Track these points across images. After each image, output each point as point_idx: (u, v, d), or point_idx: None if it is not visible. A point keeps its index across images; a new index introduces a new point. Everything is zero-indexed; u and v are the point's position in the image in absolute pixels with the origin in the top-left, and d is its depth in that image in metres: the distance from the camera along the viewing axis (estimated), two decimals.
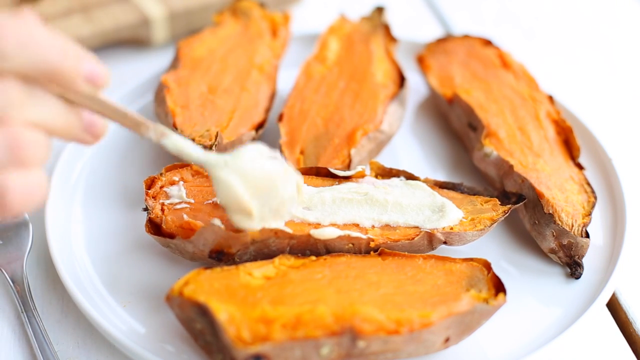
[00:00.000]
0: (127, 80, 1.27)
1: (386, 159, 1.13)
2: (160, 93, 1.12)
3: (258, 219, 0.89)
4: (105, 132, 0.78)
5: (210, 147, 1.03)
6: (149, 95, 1.21)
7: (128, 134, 1.17)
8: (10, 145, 0.68)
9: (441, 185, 1.03)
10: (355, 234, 0.94)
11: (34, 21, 0.70)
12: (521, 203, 1.00)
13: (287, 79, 1.22)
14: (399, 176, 1.03)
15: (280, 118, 1.12)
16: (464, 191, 1.03)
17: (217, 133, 1.04)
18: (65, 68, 0.70)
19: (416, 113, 1.23)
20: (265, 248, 0.93)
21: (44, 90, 0.71)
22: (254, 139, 1.09)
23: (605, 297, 0.96)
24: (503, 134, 1.09)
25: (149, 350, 0.89)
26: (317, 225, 0.95)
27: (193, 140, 1.04)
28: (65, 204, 1.05)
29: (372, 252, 0.94)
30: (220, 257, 0.93)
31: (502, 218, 0.98)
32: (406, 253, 0.93)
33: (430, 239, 0.96)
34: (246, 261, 0.93)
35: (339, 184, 1.00)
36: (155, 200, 0.97)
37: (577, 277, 0.98)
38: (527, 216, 1.02)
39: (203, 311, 0.84)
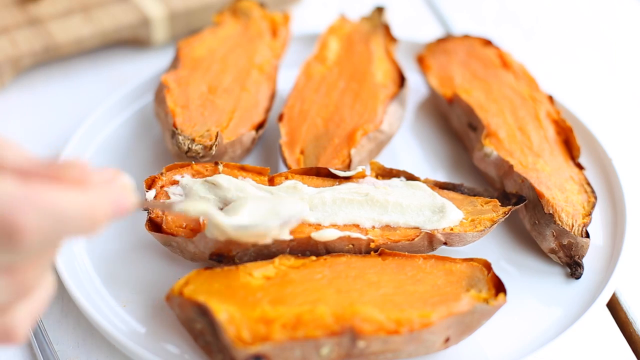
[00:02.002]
0: (127, 80, 1.27)
1: (386, 159, 1.13)
2: (160, 93, 1.12)
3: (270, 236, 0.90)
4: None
5: (210, 148, 1.03)
6: (149, 95, 1.21)
7: (128, 134, 1.17)
8: (17, 290, 0.66)
9: (441, 186, 1.03)
10: (355, 234, 0.94)
11: (66, 186, 0.66)
12: (521, 204, 1.00)
13: (287, 79, 1.22)
14: (399, 176, 1.03)
15: (280, 118, 1.12)
16: (464, 192, 1.03)
17: (217, 133, 1.04)
18: (93, 229, 0.67)
19: (416, 113, 1.23)
20: (265, 249, 0.93)
21: None
22: (254, 139, 1.09)
23: (605, 297, 0.96)
24: (503, 134, 1.09)
25: (149, 350, 0.89)
26: (318, 226, 0.95)
27: (193, 140, 1.04)
28: None
29: (372, 253, 0.94)
30: (221, 259, 0.93)
31: (502, 219, 0.98)
32: (406, 253, 0.93)
33: (431, 240, 0.96)
34: (246, 262, 0.93)
35: (339, 184, 1.00)
36: (156, 199, 0.97)
37: (577, 277, 0.98)
38: (527, 216, 1.02)
39: (203, 311, 0.84)
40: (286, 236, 0.92)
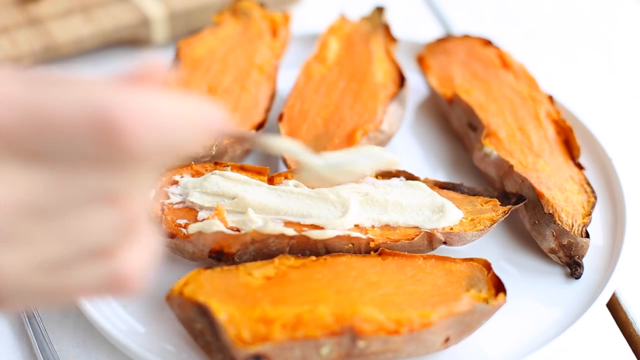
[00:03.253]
0: None
1: None
2: None
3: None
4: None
5: (210, 148, 1.03)
6: None
7: None
8: (124, 224, 0.59)
9: (441, 186, 1.03)
10: (354, 233, 0.94)
11: (152, 94, 0.57)
12: (521, 204, 1.00)
13: (287, 79, 1.21)
14: (399, 176, 1.03)
15: (280, 118, 1.12)
16: (464, 191, 1.03)
17: None
18: (194, 144, 0.60)
19: (416, 113, 1.23)
20: (265, 248, 0.93)
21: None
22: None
23: (605, 297, 0.96)
24: (503, 134, 1.09)
25: (149, 350, 0.89)
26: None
27: None
28: None
29: (372, 252, 0.94)
30: (220, 257, 0.93)
31: (502, 219, 0.98)
32: (406, 253, 0.93)
33: (430, 239, 0.96)
34: (246, 261, 0.93)
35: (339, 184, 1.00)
36: (155, 199, 0.97)
37: (577, 277, 0.98)
38: (527, 216, 1.02)
39: (203, 311, 0.84)
40: (291, 223, 0.92)
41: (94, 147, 0.55)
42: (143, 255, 0.62)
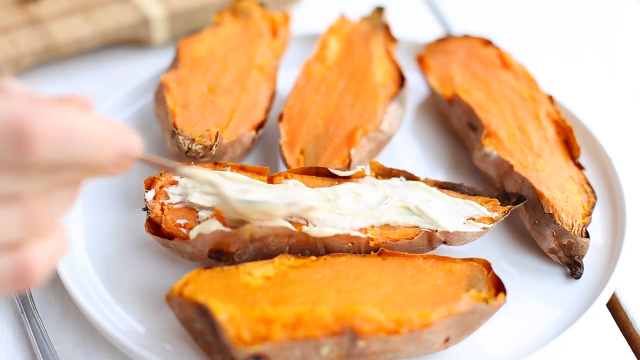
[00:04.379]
0: (127, 80, 1.27)
1: (386, 159, 1.13)
2: (160, 93, 1.12)
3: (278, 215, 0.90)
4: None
5: (210, 148, 1.03)
6: (149, 95, 1.21)
7: None
8: (29, 220, 0.65)
9: (441, 186, 1.03)
10: (354, 233, 0.94)
11: (62, 108, 0.65)
12: (521, 204, 1.00)
13: (287, 79, 1.22)
14: (399, 176, 1.03)
15: (280, 118, 1.12)
16: (464, 191, 1.03)
17: (217, 133, 1.04)
18: (100, 159, 0.66)
19: (416, 113, 1.23)
20: (265, 247, 0.93)
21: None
22: (254, 139, 1.09)
23: (605, 297, 0.96)
24: (503, 134, 1.09)
25: (148, 350, 0.89)
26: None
27: (193, 140, 1.05)
28: None
29: (372, 252, 0.94)
30: (220, 256, 0.93)
31: (502, 219, 0.98)
32: (406, 253, 0.93)
33: (430, 239, 0.96)
34: (246, 261, 0.93)
35: (338, 184, 1.00)
36: (155, 200, 0.97)
37: (577, 277, 0.98)
38: (527, 216, 1.02)
39: (203, 311, 0.84)
40: (289, 221, 0.93)
41: (4, 149, 0.61)
42: (49, 252, 0.67)
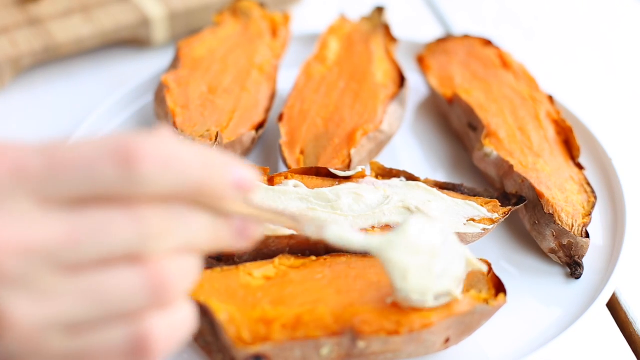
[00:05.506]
0: (127, 80, 1.27)
1: (386, 159, 1.13)
2: (160, 93, 1.12)
3: (432, 295, 0.82)
4: (259, 233, 0.67)
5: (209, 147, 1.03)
6: (149, 95, 1.21)
7: None
8: (153, 286, 0.58)
9: (441, 186, 1.03)
10: None
11: (171, 137, 0.60)
12: (521, 205, 1.00)
13: (287, 79, 1.21)
14: (399, 176, 1.03)
15: (280, 118, 1.12)
16: (464, 192, 1.03)
17: (217, 133, 1.04)
18: (211, 183, 0.61)
19: (416, 113, 1.23)
20: (265, 248, 0.93)
21: (186, 207, 0.61)
22: (254, 139, 1.09)
23: (605, 297, 0.96)
24: (503, 134, 1.09)
25: None
26: None
27: (193, 140, 1.04)
28: None
29: None
30: (220, 257, 0.94)
31: (502, 220, 0.98)
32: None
33: None
34: (246, 261, 0.93)
35: (338, 184, 1.00)
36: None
37: (577, 277, 0.98)
38: (527, 216, 1.02)
39: (203, 311, 0.84)
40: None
41: (111, 170, 0.57)
42: (172, 325, 0.60)
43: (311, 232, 0.73)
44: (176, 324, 0.60)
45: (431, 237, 0.80)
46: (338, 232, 0.74)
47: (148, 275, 0.58)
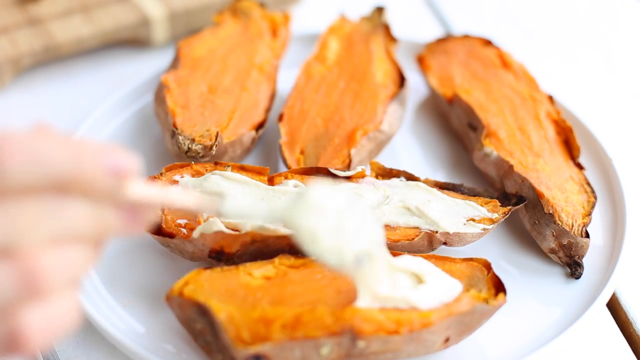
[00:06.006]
0: (127, 80, 1.27)
1: (386, 159, 1.13)
2: (160, 93, 1.12)
3: (350, 256, 0.78)
4: (154, 216, 0.67)
5: (210, 148, 1.03)
6: (149, 95, 1.21)
7: (128, 134, 1.17)
8: (24, 279, 0.57)
9: (441, 186, 1.03)
10: None
11: (44, 131, 0.60)
12: (521, 205, 1.00)
13: (287, 79, 1.21)
14: (399, 176, 1.03)
15: (280, 118, 1.12)
16: (464, 192, 1.03)
17: (217, 133, 1.04)
18: (82, 172, 0.60)
19: (416, 113, 1.23)
20: (265, 248, 0.93)
21: (61, 197, 0.60)
22: (254, 139, 1.09)
23: (605, 297, 0.96)
24: (503, 134, 1.09)
25: (148, 350, 0.89)
26: None
27: (193, 140, 1.04)
28: None
29: None
30: (220, 257, 0.93)
31: (502, 219, 0.98)
32: (406, 253, 0.93)
33: (430, 240, 0.96)
34: (246, 261, 0.93)
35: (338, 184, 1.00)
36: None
37: (577, 277, 0.98)
38: (527, 216, 1.02)
39: (203, 311, 0.84)
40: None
41: None
42: (49, 317, 0.59)
43: (208, 211, 0.72)
44: (54, 315, 0.60)
45: (335, 200, 0.77)
46: (235, 206, 0.72)
47: (18, 267, 0.58)
